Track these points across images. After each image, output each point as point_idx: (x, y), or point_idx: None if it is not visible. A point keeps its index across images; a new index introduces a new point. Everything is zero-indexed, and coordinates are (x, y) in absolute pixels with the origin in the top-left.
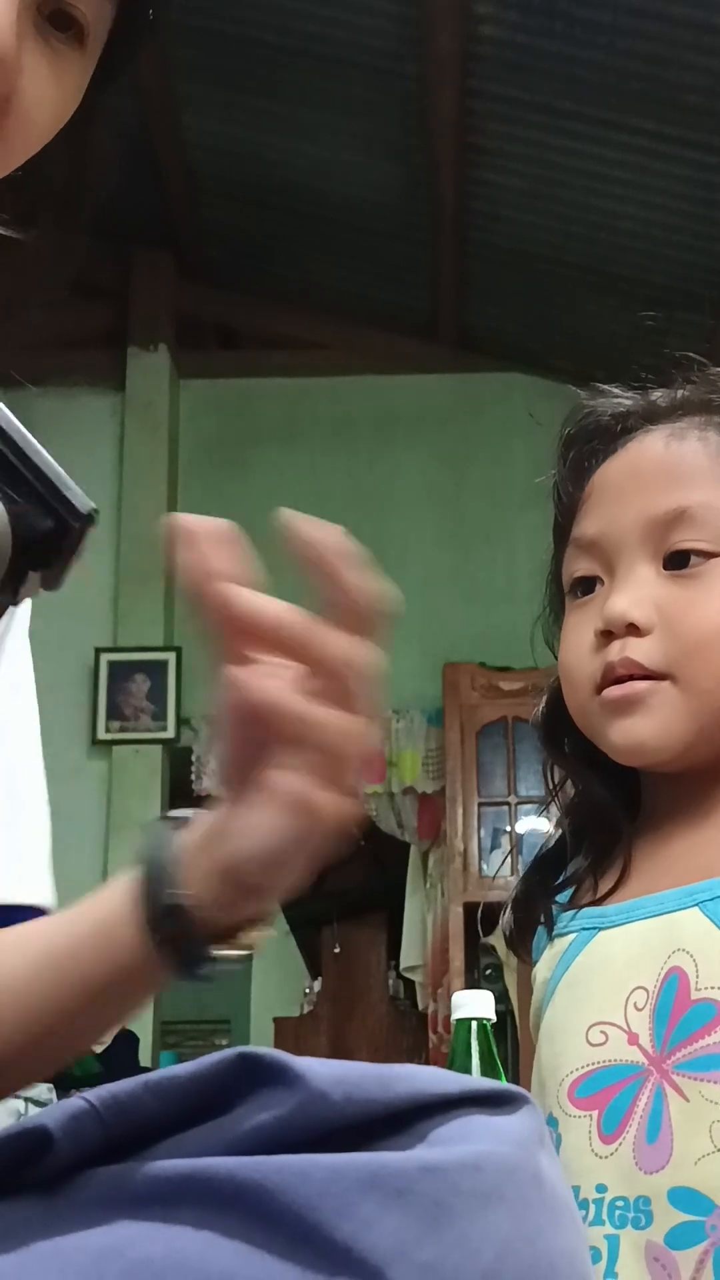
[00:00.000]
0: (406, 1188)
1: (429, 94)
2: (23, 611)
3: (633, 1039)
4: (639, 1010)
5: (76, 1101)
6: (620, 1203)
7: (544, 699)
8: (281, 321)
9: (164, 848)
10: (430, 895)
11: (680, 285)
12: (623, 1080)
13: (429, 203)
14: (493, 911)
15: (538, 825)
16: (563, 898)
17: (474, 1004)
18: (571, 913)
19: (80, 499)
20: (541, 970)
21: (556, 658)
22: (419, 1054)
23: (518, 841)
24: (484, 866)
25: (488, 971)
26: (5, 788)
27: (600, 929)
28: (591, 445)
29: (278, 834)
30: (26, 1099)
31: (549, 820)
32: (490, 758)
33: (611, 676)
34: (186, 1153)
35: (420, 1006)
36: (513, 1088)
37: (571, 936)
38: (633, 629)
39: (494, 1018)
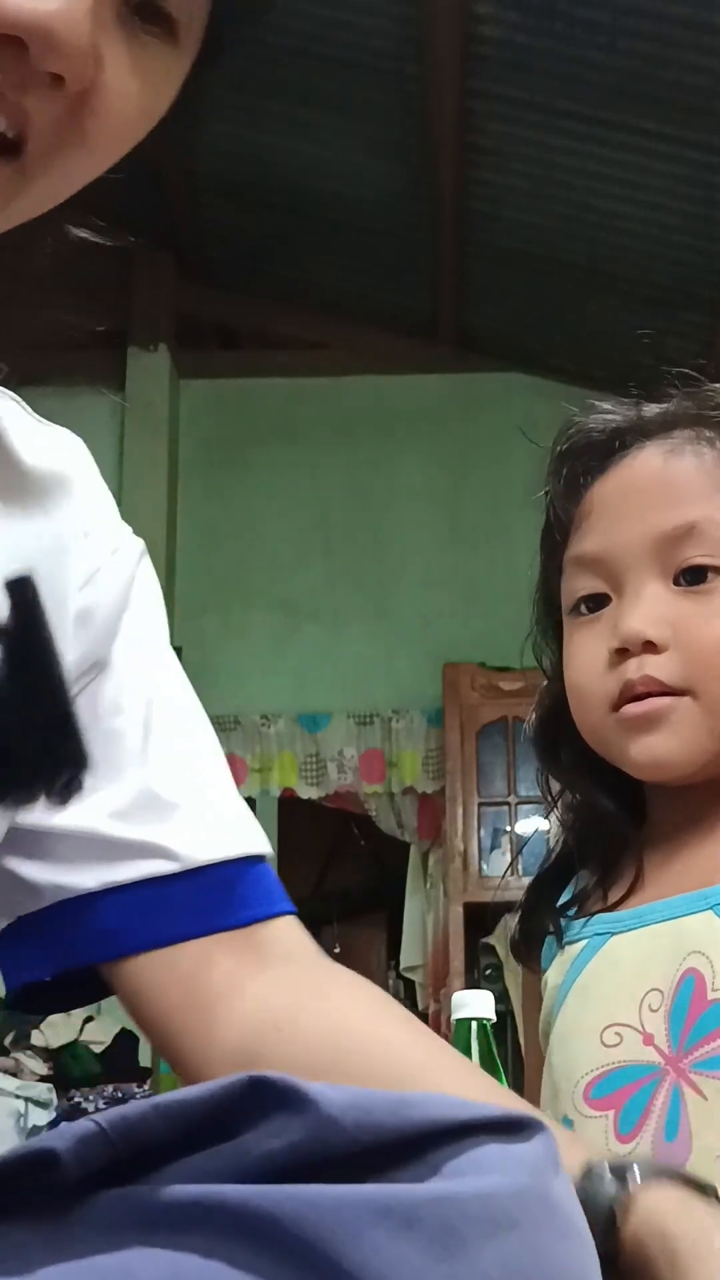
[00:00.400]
0: (416, 1217)
1: (429, 94)
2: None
3: (648, 1039)
4: (654, 1011)
5: (85, 1123)
6: None
7: (535, 714)
8: (281, 321)
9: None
10: (430, 895)
11: (680, 285)
12: (639, 1080)
13: (429, 203)
14: (494, 911)
15: (538, 825)
16: (570, 911)
17: (474, 1004)
18: (583, 920)
19: None
20: (552, 977)
21: (546, 672)
22: None
23: (518, 841)
24: (484, 866)
25: (488, 971)
26: (192, 744)
27: (613, 934)
28: (585, 461)
29: None
30: (27, 1099)
31: (550, 821)
32: (490, 758)
33: (630, 694)
34: (195, 1177)
35: (420, 1007)
36: (527, 1114)
37: (583, 943)
38: (649, 646)
39: (494, 1018)
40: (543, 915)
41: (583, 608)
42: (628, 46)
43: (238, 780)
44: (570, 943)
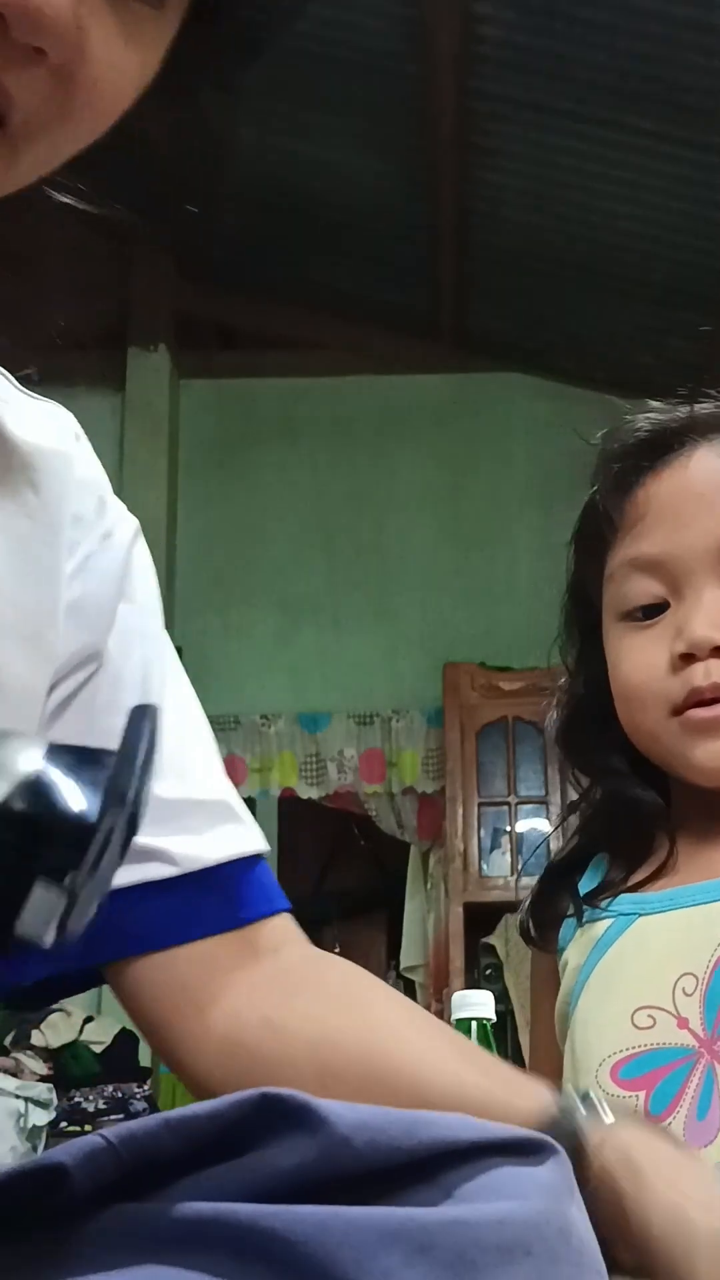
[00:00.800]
0: (430, 1242)
1: (429, 94)
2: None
3: (683, 1023)
4: (688, 996)
5: (94, 1139)
6: None
7: (557, 712)
8: (281, 321)
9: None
10: (431, 896)
11: (680, 285)
12: (673, 1063)
13: (429, 203)
14: (494, 911)
15: (538, 825)
16: (584, 886)
17: (474, 1004)
18: (608, 899)
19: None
20: (573, 957)
21: (570, 670)
22: None
23: (518, 841)
24: (484, 866)
25: (488, 971)
26: (189, 742)
27: (640, 914)
28: (635, 461)
29: None
30: (27, 1099)
31: (550, 821)
32: (490, 758)
33: (698, 699)
34: (205, 1194)
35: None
36: (541, 1136)
37: (608, 921)
38: (717, 652)
39: (494, 1018)
40: (559, 899)
41: (639, 614)
42: (628, 46)
43: (237, 780)
44: (592, 921)
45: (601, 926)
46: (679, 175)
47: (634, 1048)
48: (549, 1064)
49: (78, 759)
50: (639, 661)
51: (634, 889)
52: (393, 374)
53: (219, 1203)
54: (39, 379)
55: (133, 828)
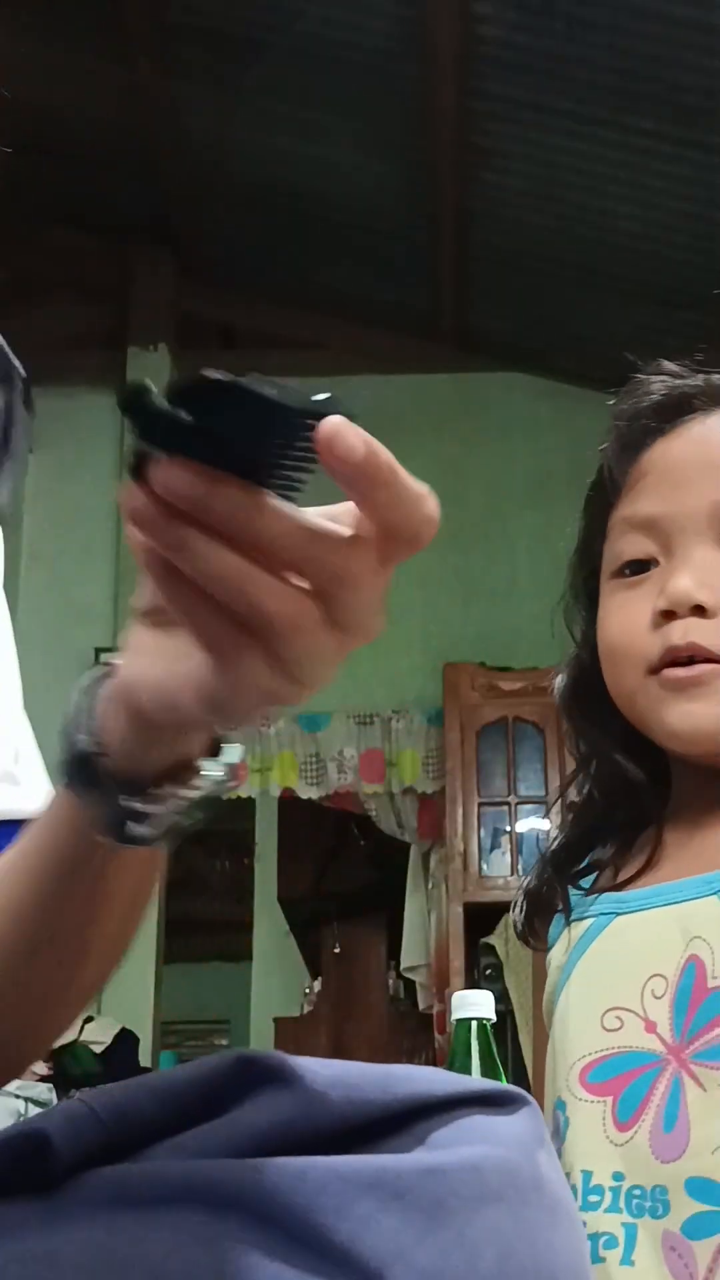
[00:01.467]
0: (406, 1189)
1: (429, 94)
2: None
3: (650, 1026)
4: (657, 998)
5: (75, 1104)
6: (637, 1191)
7: (566, 675)
8: (281, 321)
9: (85, 693)
10: (433, 896)
11: (680, 285)
12: (639, 1068)
13: (429, 203)
14: (494, 911)
15: (538, 825)
16: (584, 883)
17: (474, 1004)
18: (591, 897)
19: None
20: (556, 955)
21: (575, 638)
22: (420, 1054)
23: (518, 841)
24: (484, 866)
25: (488, 971)
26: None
27: (617, 914)
28: (645, 422)
29: (188, 677)
30: (27, 1099)
31: (552, 818)
32: (490, 758)
33: (673, 658)
34: (185, 1154)
35: (422, 1006)
36: (512, 1088)
37: (589, 921)
38: (698, 610)
39: (494, 1018)
40: (552, 890)
41: (627, 570)
42: (628, 46)
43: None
44: (576, 920)
45: (583, 926)
46: (679, 175)
47: (602, 1050)
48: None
49: None
50: (622, 619)
51: (618, 886)
52: (393, 374)
53: (198, 1160)
54: (39, 379)
55: (28, 402)
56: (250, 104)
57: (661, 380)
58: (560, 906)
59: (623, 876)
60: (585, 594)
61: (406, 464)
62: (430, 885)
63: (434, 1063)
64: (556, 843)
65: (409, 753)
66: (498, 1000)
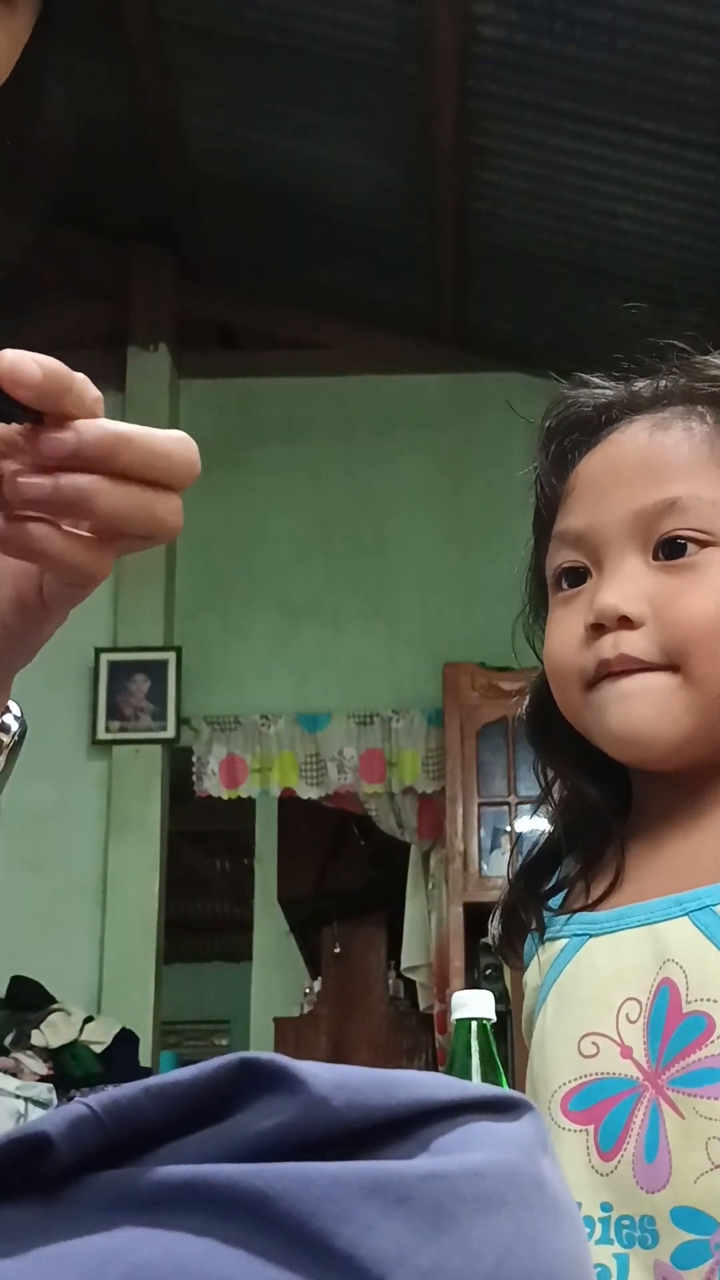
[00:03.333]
0: (408, 1194)
1: (429, 94)
2: None
3: (626, 1051)
4: (632, 1023)
5: (76, 1106)
6: (626, 1221)
7: (528, 696)
8: (281, 321)
9: None
10: (433, 896)
11: (680, 285)
12: (618, 1095)
13: (429, 203)
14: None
15: (538, 825)
16: (554, 902)
17: (474, 1004)
18: (564, 918)
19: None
20: (532, 976)
21: (538, 655)
22: (419, 1054)
23: (518, 841)
24: (484, 866)
25: (488, 971)
26: None
27: (591, 935)
28: (574, 437)
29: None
30: (27, 1099)
31: (546, 820)
32: (490, 758)
33: (606, 672)
34: (187, 1158)
35: (422, 1006)
36: (515, 1094)
37: (563, 942)
38: (625, 622)
39: (494, 1018)
40: (526, 909)
41: (564, 583)
42: (628, 46)
43: (238, 781)
44: (550, 940)
45: (557, 947)
46: (679, 175)
47: (581, 1077)
48: None
49: None
50: (559, 635)
51: (590, 906)
52: (393, 374)
53: (199, 1164)
54: None
55: None
56: (250, 104)
57: (587, 392)
58: (534, 925)
59: (593, 896)
60: (539, 610)
61: (407, 464)
62: (430, 885)
63: (433, 1063)
64: (525, 861)
65: (409, 753)
66: (498, 1000)
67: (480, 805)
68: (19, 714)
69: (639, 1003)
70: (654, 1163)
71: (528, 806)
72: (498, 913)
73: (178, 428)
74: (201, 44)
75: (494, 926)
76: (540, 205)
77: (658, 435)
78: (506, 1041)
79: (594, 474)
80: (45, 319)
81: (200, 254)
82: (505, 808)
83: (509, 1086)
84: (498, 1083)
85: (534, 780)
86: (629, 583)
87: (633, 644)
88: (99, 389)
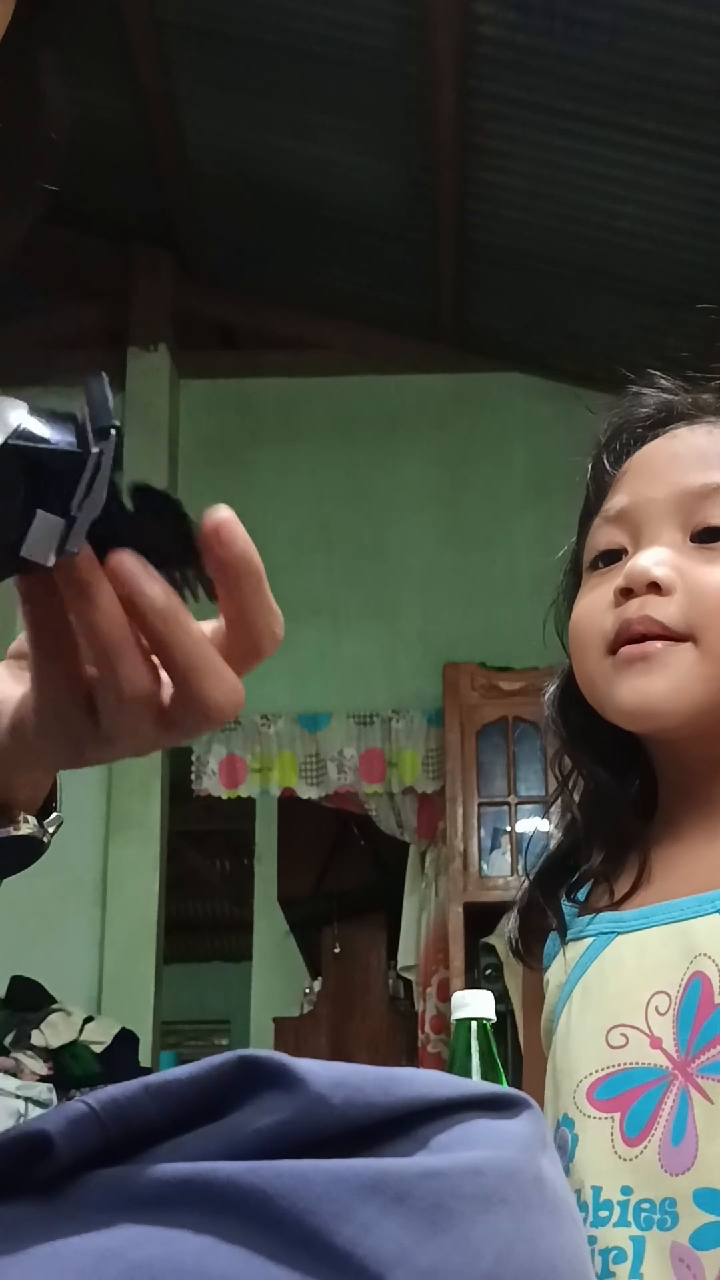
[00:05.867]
0: (407, 1192)
1: (429, 94)
2: None
3: (655, 1043)
4: (661, 1015)
5: (76, 1105)
6: (646, 1205)
7: (556, 684)
8: (281, 321)
9: None
10: (425, 895)
11: (680, 285)
12: (646, 1084)
13: (429, 202)
14: (494, 911)
15: (538, 825)
16: (578, 896)
17: (474, 1004)
18: (588, 917)
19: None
20: (555, 975)
21: (565, 647)
22: (418, 1054)
23: (530, 841)
24: (484, 866)
25: (488, 971)
26: None
27: (618, 933)
28: (635, 431)
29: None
30: (27, 1099)
31: (550, 821)
32: (490, 758)
33: (628, 634)
34: (186, 1156)
35: (418, 1007)
36: (514, 1092)
37: (588, 941)
38: (654, 588)
39: (494, 1018)
40: (545, 910)
41: (600, 562)
42: (628, 46)
43: (238, 780)
44: (574, 940)
45: (581, 946)
46: (679, 175)
47: (608, 1067)
48: (541, 1081)
49: (52, 414)
50: (586, 601)
51: (615, 905)
52: (393, 374)
53: (199, 1162)
54: (39, 379)
55: (118, 462)
56: (250, 104)
57: (653, 392)
58: (554, 925)
59: (617, 895)
60: (574, 601)
61: (407, 464)
62: (429, 886)
63: (418, 1062)
64: (544, 863)
65: (409, 753)
66: (498, 1000)
67: (480, 805)
68: (58, 811)
69: (668, 996)
70: (680, 1146)
71: (528, 806)
72: (514, 914)
73: (177, 428)
74: (201, 44)
75: (511, 928)
76: (540, 205)
77: (716, 432)
78: (506, 1041)
79: (647, 457)
80: (45, 319)
81: (200, 254)
82: (505, 808)
83: (509, 1086)
84: (498, 1082)
85: (534, 780)
86: (663, 553)
87: (658, 608)
88: None
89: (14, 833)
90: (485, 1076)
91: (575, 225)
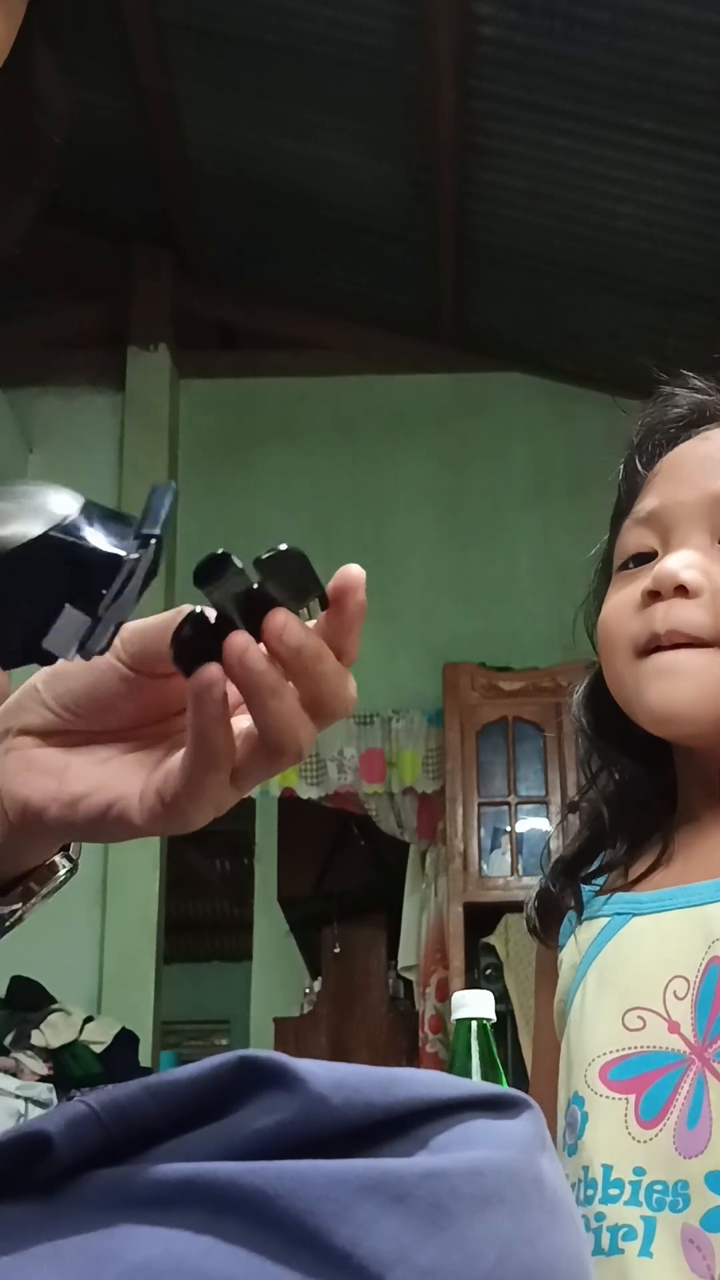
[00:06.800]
0: (406, 1192)
1: (429, 94)
2: None
3: (673, 1027)
4: (679, 999)
5: (76, 1105)
6: (659, 1186)
7: (586, 681)
8: (281, 321)
9: None
10: (424, 895)
11: (680, 285)
12: (663, 1067)
13: (429, 203)
14: (494, 911)
15: (538, 825)
16: (596, 881)
17: (474, 1004)
18: (604, 898)
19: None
20: (570, 954)
21: (595, 646)
22: (417, 1054)
23: (518, 841)
24: (484, 866)
25: (487, 971)
26: None
27: (634, 914)
28: (667, 432)
29: (142, 785)
30: (27, 1099)
31: (550, 821)
32: (490, 758)
33: (655, 645)
34: (186, 1156)
35: (418, 1007)
36: (514, 1092)
37: (604, 921)
38: (681, 590)
39: (494, 1018)
40: (565, 890)
41: (630, 564)
42: (628, 46)
43: None
44: (589, 920)
45: (597, 926)
46: (679, 175)
47: (624, 1049)
48: (551, 1061)
49: (107, 513)
50: (614, 602)
51: (630, 886)
52: (393, 374)
53: (199, 1162)
54: (39, 379)
55: (153, 571)
56: (250, 104)
57: (686, 392)
58: (572, 904)
59: (632, 876)
60: (602, 599)
61: (407, 464)
62: (428, 886)
63: (418, 1062)
64: (568, 849)
65: (409, 753)
66: (498, 1000)
67: (480, 805)
68: (75, 856)
69: (687, 980)
70: (694, 1130)
71: (528, 806)
72: (534, 894)
73: (177, 428)
74: (201, 44)
75: (529, 907)
76: (540, 205)
77: None
78: (506, 1041)
79: (679, 459)
80: (45, 319)
81: (200, 254)
82: (505, 808)
83: (508, 1086)
84: (497, 1082)
85: (534, 780)
86: (692, 556)
87: (684, 615)
88: (99, 389)
89: (57, 883)
90: (485, 1076)
91: (575, 225)
